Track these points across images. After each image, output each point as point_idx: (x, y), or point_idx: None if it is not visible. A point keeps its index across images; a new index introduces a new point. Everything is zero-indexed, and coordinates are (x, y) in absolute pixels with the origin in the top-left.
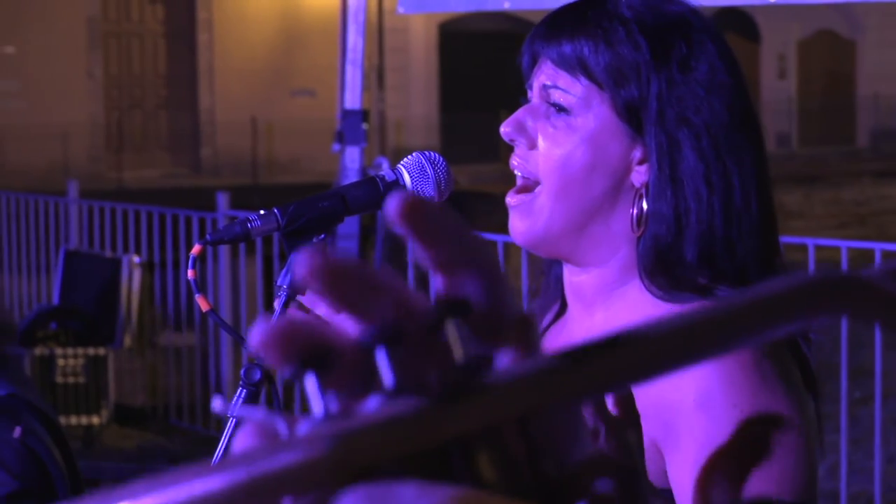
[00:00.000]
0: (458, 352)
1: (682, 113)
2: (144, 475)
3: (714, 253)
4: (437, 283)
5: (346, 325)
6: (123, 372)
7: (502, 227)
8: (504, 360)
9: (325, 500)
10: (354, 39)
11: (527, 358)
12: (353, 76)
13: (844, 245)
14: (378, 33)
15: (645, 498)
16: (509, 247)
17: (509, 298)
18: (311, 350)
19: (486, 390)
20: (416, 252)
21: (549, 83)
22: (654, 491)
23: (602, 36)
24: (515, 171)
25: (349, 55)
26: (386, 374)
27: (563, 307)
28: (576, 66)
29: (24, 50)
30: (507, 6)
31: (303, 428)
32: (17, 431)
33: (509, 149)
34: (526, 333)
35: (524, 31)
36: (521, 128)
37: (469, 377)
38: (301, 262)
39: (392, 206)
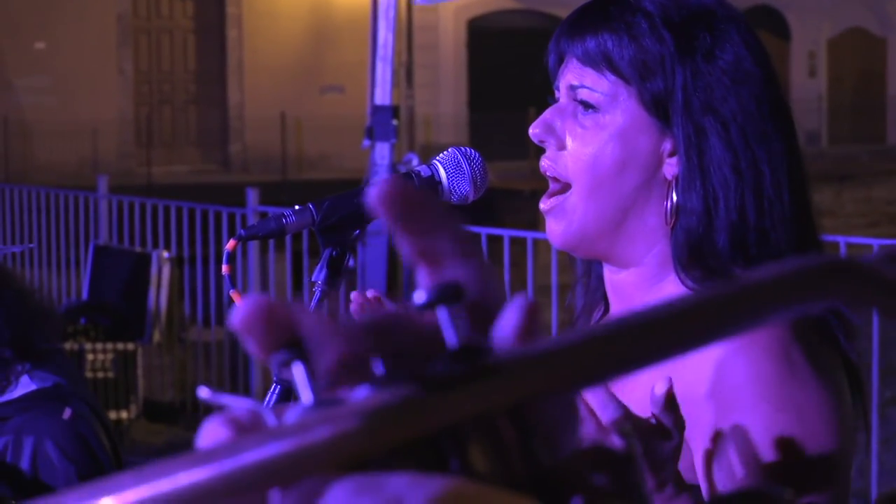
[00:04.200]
0: (449, 339)
1: (708, 102)
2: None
3: (746, 242)
4: (421, 272)
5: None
6: (152, 367)
7: (531, 224)
8: (496, 348)
9: (314, 491)
10: (385, 36)
11: (521, 345)
12: (384, 72)
13: (876, 243)
14: (407, 30)
15: (641, 489)
16: (538, 244)
17: (498, 286)
18: (298, 337)
19: (477, 379)
20: (398, 241)
21: (575, 83)
22: (685, 486)
23: (625, 30)
24: (546, 173)
25: (379, 51)
26: (376, 362)
27: (608, 307)
28: (601, 63)
29: (54, 46)
30: None
31: (291, 416)
32: (67, 413)
33: (538, 146)
34: (525, 323)
35: (553, 28)
36: (549, 129)
37: (460, 365)
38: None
39: (374, 192)
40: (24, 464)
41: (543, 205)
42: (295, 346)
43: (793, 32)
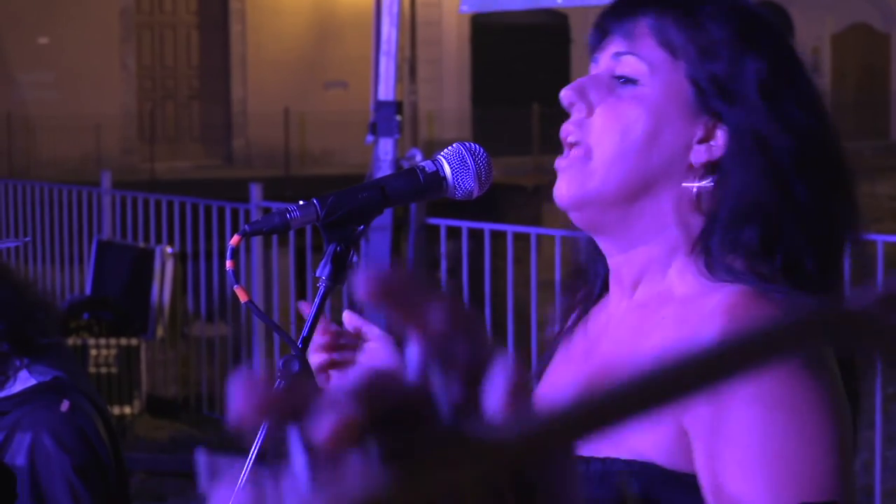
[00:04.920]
0: (444, 404)
1: (778, 107)
2: (176, 465)
3: (774, 244)
4: (414, 342)
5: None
6: (156, 362)
7: (535, 220)
8: (491, 410)
9: None
10: (388, 31)
11: (516, 407)
12: (387, 68)
13: (880, 239)
14: (411, 25)
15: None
16: (542, 239)
17: (492, 350)
18: (294, 406)
19: (475, 443)
20: (388, 319)
21: (622, 50)
22: (676, 476)
23: (691, 11)
24: (568, 139)
25: (383, 47)
26: (369, 432)
27: (605, 288)
28: (656, 36)
29: (58, 41)
30: (559, 2)
31: (289, 486)
32: (65, 405)
33: (542, 142)
34: (513, 381)
35: (557, 23)
36: (582, 93)
37: (457, 430)
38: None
39: (361, 282)
40: (21, 458)
41: (561, 161)
42: (289, 420)
43: (796, 28)
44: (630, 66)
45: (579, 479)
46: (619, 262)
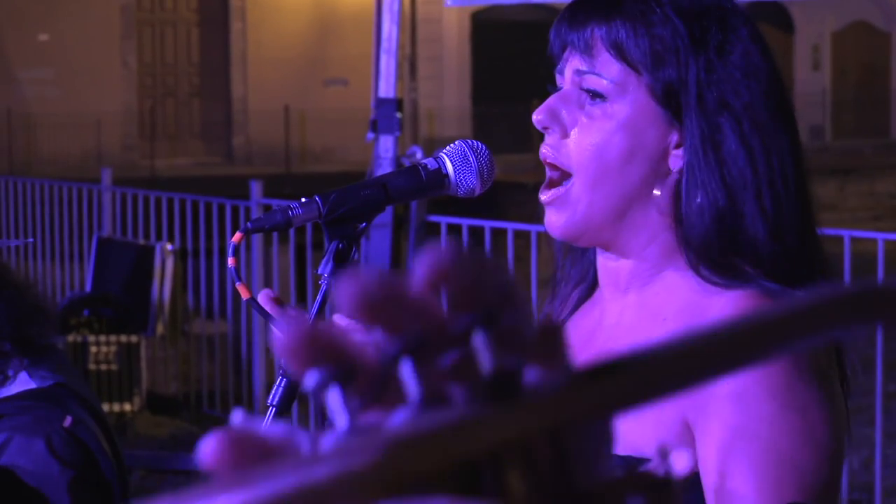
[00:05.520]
0: (485, 364)
1: (721, 96)
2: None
3: (758, 235)
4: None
5: (370, 336)
6: (156, 360)
7: (535, 218)
8: (532, 372)
9: None
10: (389, 28)
11: (555, 369)
12: (388, 65)
13: (880, 237)
14: (411, 23)
15: None
16: (542, 237)
17: (530, 310)
18: (335, 361)
19: (514, 403)
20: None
21: (583, 68)
22: None
23: (639, 19)
24: (545, 160)
25: (383, 44)
26: (412, 387)
27: (593, 286)
28: (611, 50)
29: (58, 38)
30: None
31: (328, 442)
32: (68, 421)
33: (542, 138)
34: (553, 344)
35: None
36: (553, 116)
37: (497, 389)
38: (343, 294)
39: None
40: (21, 464)
41: (543, 196)
42: (333, 367)
43: (796, 26)
44: (595, 82)
45: (613, 444)
46: (615, 266)
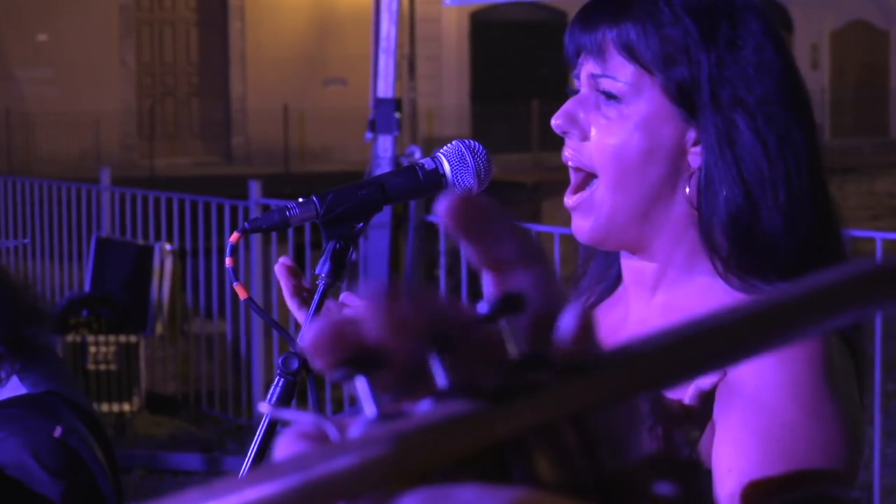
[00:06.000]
0: (512, 349)
1: (734, 92)
2: (175, 462)
3: (773, 231)
4: (488, 281)
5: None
6: (155, 359)
7: (533, 217)
8: (557, 357)
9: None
10: (388, 28)
11: (582, 354)
12: (386, 65)
13: (879, 236)
14: (410, 22)
15: (710, 499)
16: (541, 236)
17: (562, 294)
18: (362, 351)
19: (541, 388)
20: (466, 251)
21: (597, 72)
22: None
23: (649, 19)
24: (568, 163)
25: (382, 44)
26: (439, 375)
27: (615, 284)
28: (623, 53)
29: (57, 37)
30: None
31: (356, 430)
32: (59, 431)
33: (541, 139)
34: (581, 330)
35: (557, 21)
36: (572, 120)
37: (524, 375)
38: (367, 305)
39: (443, 206)
40: (10, 474)
41: (569, 201)
42: (359, 359)
43: (795, 25)
44: (610, 85)
45: (643, 429)
46: (641, 266)
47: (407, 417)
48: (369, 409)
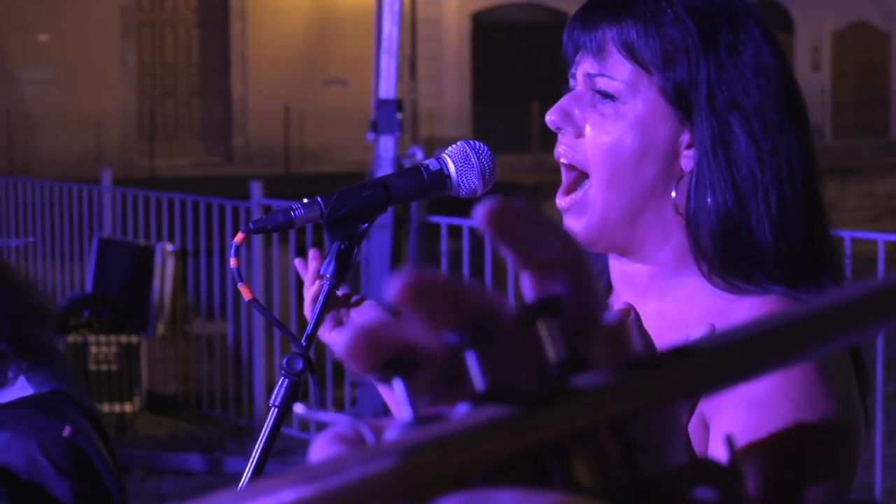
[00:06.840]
0: (550, 353)
1: (732, 96)
2: (176, 463)
3: (769, 237)
4: (526, 283)
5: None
6: (156, 360)
7: None
8: (597, 362)
9: None
10: (389, 29)
11: (620, 359)
12: (388, 66)
13: (880, 238)
14: (411, 23)
15: (746, 501)
16: None
17: (600, 298)
18: (398, 355)
19: (579, 393)
20: (505, 254)
21: (594, 71)
22: None
23: (650, 19)
24: (561, 160)
25: (384, 44)
26: (477, 378)
27: (606, 292)
28: (623, 51)
29: (58, 38)
30: None
31: (392, 433)
32: (67, 431)
33: (541, 140)
34: (619, 333)
35: (558, 22)
36: (567, 116)
37: (562, 379)
38: (393, 286)
39: (482, 211)
40: (20, 475)
41: (561, 202)
42: (396, 361)
43: (796, 26)
44: (606, 84)
45: (680, 436)
46: (631, 270)
47: (444, 421)
48: (406, 412)
